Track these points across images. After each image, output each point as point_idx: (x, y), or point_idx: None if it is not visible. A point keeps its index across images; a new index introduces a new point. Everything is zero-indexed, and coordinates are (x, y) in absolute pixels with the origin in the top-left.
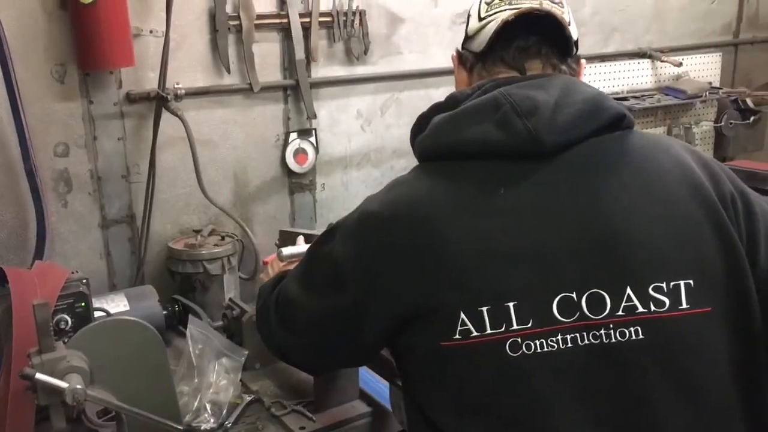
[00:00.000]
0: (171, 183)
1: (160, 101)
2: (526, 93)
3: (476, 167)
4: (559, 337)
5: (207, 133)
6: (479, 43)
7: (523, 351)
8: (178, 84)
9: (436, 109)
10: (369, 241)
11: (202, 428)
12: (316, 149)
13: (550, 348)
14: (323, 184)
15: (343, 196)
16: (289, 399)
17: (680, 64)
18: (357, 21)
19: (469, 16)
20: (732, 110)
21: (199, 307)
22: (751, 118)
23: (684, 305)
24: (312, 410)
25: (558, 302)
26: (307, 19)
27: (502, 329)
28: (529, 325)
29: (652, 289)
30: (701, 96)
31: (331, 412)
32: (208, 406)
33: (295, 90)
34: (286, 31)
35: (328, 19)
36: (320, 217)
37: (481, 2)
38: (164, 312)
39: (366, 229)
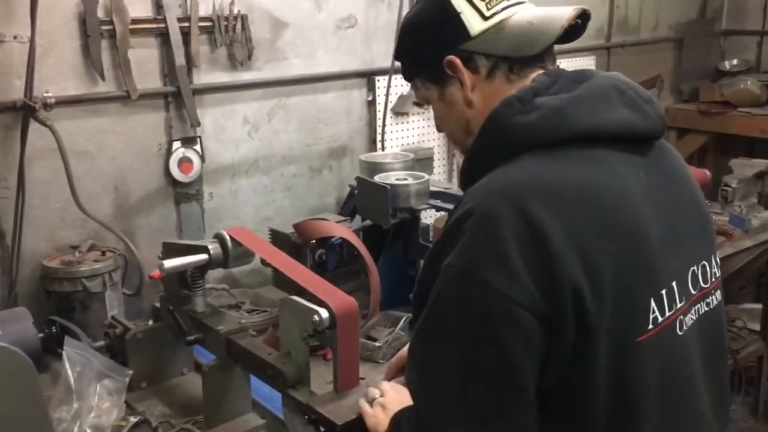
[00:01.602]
0: (44, 197)
1: (27, 111)
2: (630, 81)
3: (613, 151)
4: (693, 308)
5: (82, 143)
6: (512, 45)
7: (684, 328)
8: (47, 92)
9: (534, 92)
10: (572, 220)
11: None
12: (202, 158)
13: (691, 321)
14: (211, 193)
15: (232, 204)
16: (178, 417)
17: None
18: (239, 26)
19: (453, 13)
20: None
21: (78, 328)
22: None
23: (719, 273)
24: (203, 427)
25: (690, 276)
26: (186, 24)
27: (674, 311)
28: (683, 302)
29: (717, 256)
30: None
31: (223, 428)
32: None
33: (177, 97)
34: (164, 36)
35: (209, 23)
36: (209, 228)
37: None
38: (40, 335)
39: (560, 213)
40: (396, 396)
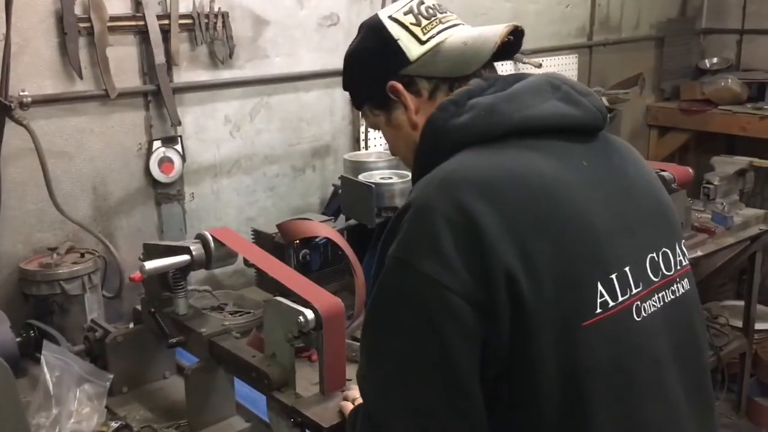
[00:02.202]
0: (20, 198)
1: (3, 110)
2: (566, 78)
3: (552, 142)
4: (656, 296)
5: (59, 143)
6: (449, 66)
7: (642, 314)
8: (23, 91)
9: (470, 94)
10: (504, 213)
11: None
12: (183, 157)
13: (654, 308)
14: (192, 193)
15: (214, 205)
16: (160, 422)
17: (540, 65)
18: (220, 23)
19: (391, 40)
20: None
21: (57, 332)
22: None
23: (686, 262)
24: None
25: (648, 263)
26: (166, 21)
27: (627, 296)
28: (640, 288)
29: (682, 245)
30: None
31: None
32: None
33: (157, 96)
34: (143, 33)
35: (189, 21)
36: (191, 228)
37: (399, 25)
38: (17, 339)
39: (493, 205)
40: None
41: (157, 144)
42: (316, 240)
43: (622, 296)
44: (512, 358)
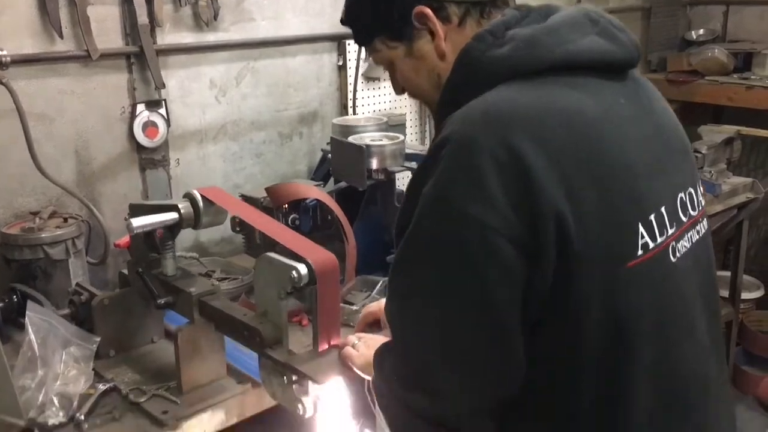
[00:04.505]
0: (1, 162)
1: None
2: (601, 11)
3: (590, 78)
4: (686, 236)
5: (40, 105)
6: None
7: (677, 255)
8: (2, 51)
9: (506, 25)
10: (548, 149)
11: (49, 423)
12: (168, 122)
13: (684, 249)
14: (177, 159)
15: (200, 171)
16: (149, 384)
17: None
18: None
19: None
20: None
21: (41, 295)
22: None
23: (704, 202)
24: (176, 393)
25: (679, 203)
26: None
27: (665, 236)
28: (674, 229)
29: (700, 186)
30: None
31: (198, 393)
32: (55, 399)
33: (140, 58)
34: None
35: None
36: (176, 195)
37: None
38: (0, 304)
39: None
40: (374, 336)
41: (140, 107)
42: (306, 202)
43: (660, 237)
44: (554, 302)
